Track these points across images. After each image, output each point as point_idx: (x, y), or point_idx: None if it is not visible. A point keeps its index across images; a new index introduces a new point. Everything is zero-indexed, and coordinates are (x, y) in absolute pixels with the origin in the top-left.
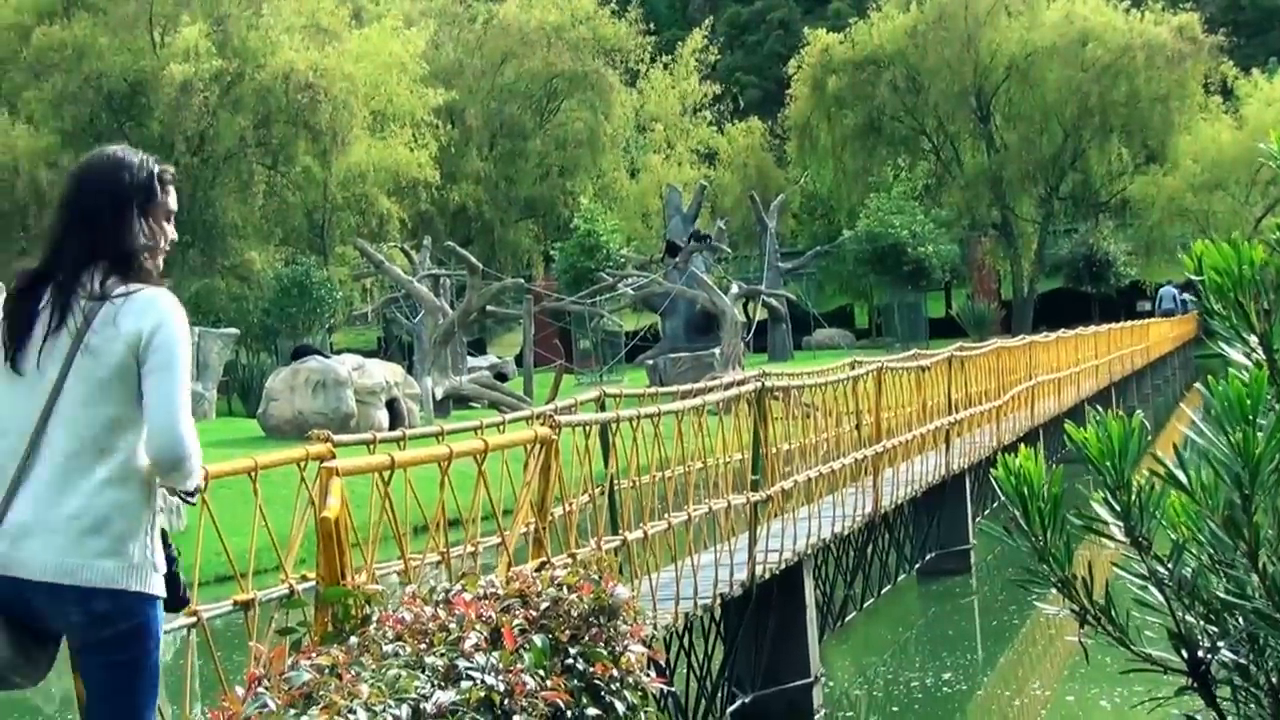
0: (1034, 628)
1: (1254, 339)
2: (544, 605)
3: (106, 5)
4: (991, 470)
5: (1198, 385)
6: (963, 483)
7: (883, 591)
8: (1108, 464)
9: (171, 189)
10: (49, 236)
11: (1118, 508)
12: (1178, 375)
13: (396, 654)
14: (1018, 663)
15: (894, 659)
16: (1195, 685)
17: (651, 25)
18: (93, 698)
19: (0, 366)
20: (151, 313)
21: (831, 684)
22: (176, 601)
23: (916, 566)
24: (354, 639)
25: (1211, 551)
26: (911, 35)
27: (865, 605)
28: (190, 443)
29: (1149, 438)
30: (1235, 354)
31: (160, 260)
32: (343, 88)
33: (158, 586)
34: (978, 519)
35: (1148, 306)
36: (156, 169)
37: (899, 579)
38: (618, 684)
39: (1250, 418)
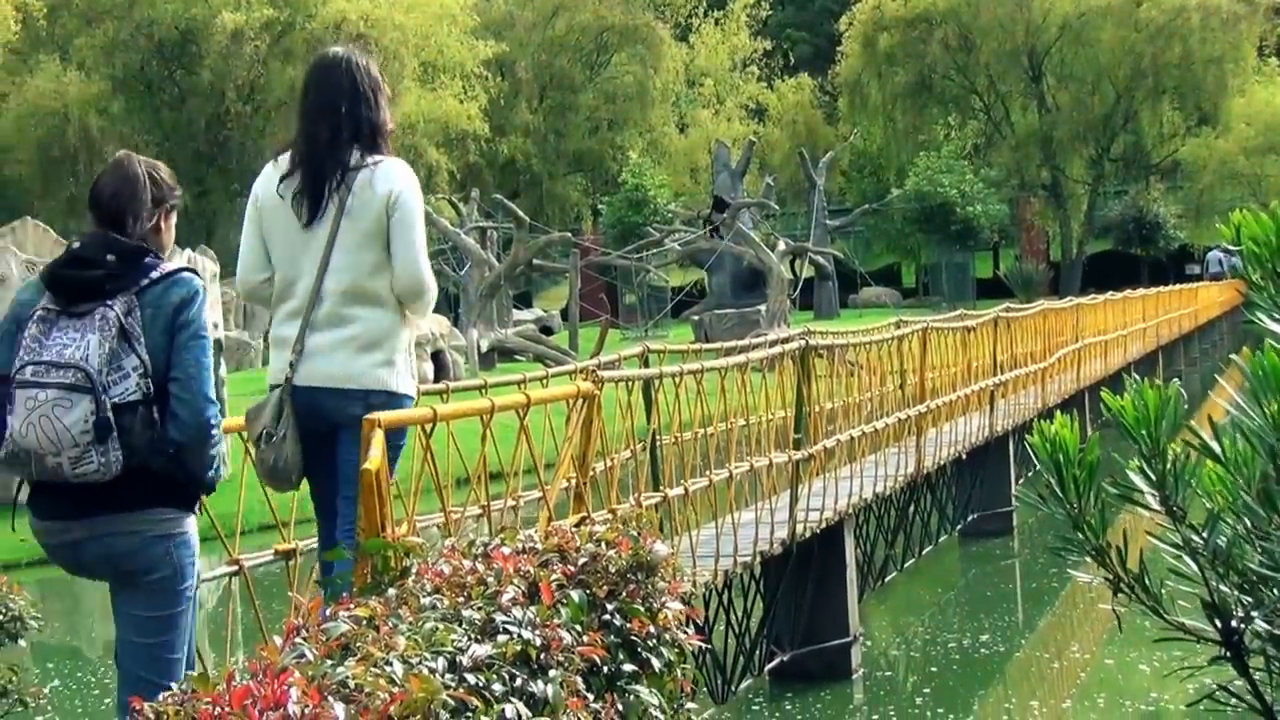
0: (1074, 591)
1: None
2: (582, 561)
3: None
4: (1027, 436)
5: (1233, 356)
6: (1006, 445)
7: (923, 552)
8: (1143, 432)
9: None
10: (310, 122)
11: (1153, 476)
12: (1225, 340)
13: (434, 607)
14: (1057, 626)
15: (933, 620)
16: (1228, 655)
17: None
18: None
19: (294, 223)
20: (397, 177)
21: (870, 643)
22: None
23: (958, 528)
24: (392, 591)
25: (1247, 523)
26: None
27: (905, 565)
28: (430, 279)
29: (1185, 405)
30: (1274, 325)
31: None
32: (393, 38)
33: (413, 389)
34: (1020, 481)
35: (1196, 270)
36: None
37: (940, 540)
38: (654, 640)
39: None
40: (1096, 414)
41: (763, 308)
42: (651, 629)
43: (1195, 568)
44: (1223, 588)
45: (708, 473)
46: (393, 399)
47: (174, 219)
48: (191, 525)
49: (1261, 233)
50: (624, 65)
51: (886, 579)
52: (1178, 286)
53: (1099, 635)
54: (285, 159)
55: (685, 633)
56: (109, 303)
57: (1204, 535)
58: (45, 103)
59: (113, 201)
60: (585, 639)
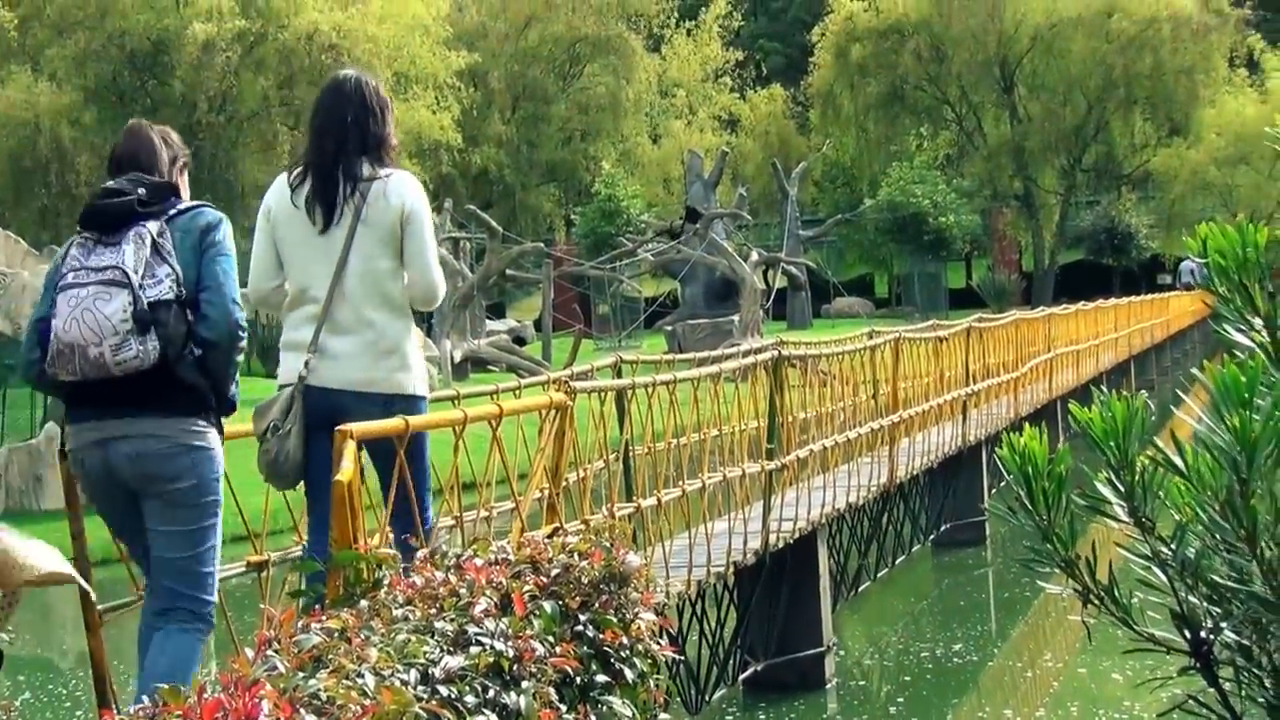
0: (1046, 600)
1: (1258, 321)
2: (555, 572)
3: None
4: (996, 449)
5: (1194, 371)
6: (979, 454)
7: (896, 562)
8: (1111, 444)
9: None
10: (319, 135)
11: (1121, 488)
12: (1197, 348)
13: (406, 618)
14: (1030, 635)
15: (906, 629)
16: (1198, 665)
17: None
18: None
19: (310, 230)
20: (408, 189)
21: (843, 653)
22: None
23: (931, 537)
24: (364, 603)
25: (1213, 535)
26: (936, 4)
27: (879, 575)
28: (442, 284)
29: (1154, 416)
30: (1240, 337)
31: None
32: (366, 49)
33: (426, 389)
34: (993, 491)
35: (1168, 280)
36: None
37: (913, 549)
38: (627, 651)
39: (1247, 401)
40: (1069, 424)
41: (736, 318)
42: (624, 640)
43: (1164, 579)
44: (1192, 599)
45: (681, 483)
46: (411, 401)
47: (186, 177)
48: (217, 442)
49: (1228, 245)
50: (596, 76)
51: (860, 588)
52: (1149, 296)
53: (1071, 644)
54: (296, 171)
55: (658, 643)
56: (143, 223)
57: (1172, 547)
58: (16, 113)
59: (132, 163)
60: (558, 650)
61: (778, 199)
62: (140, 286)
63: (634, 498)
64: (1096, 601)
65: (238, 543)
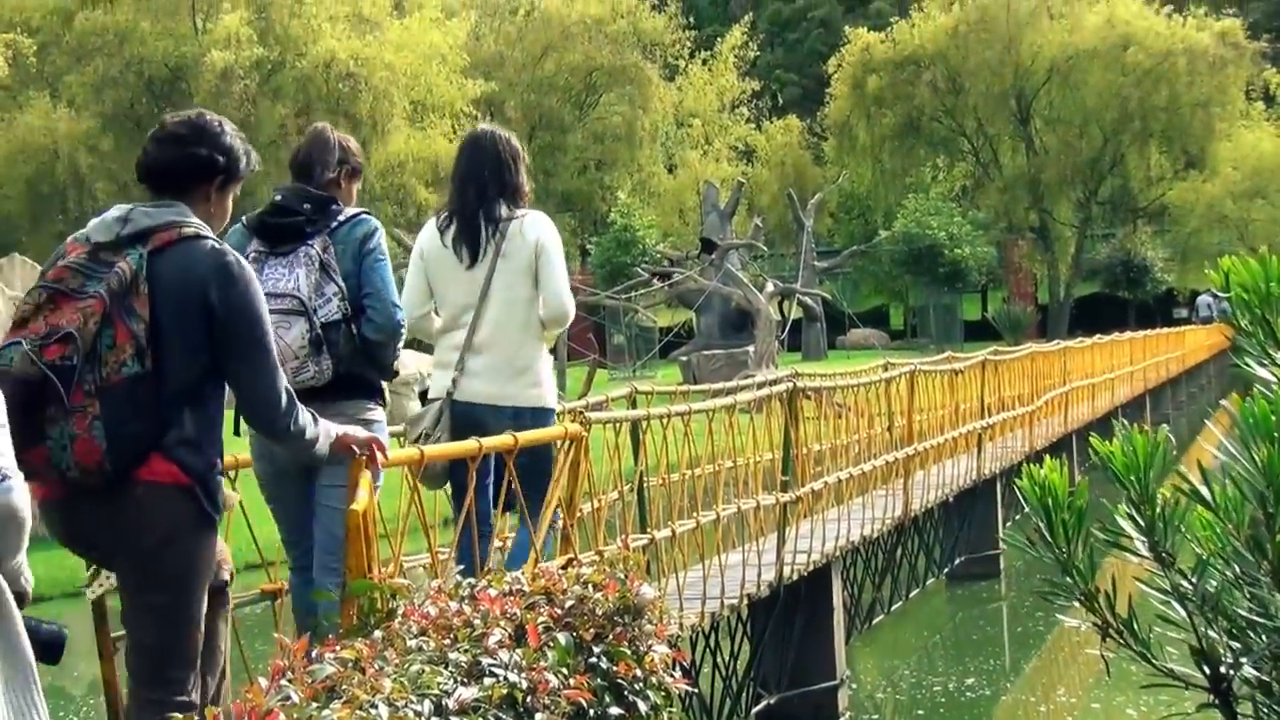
0: (1061, 635)
1: None
2: (569, 603)
3: None
4: (1016, 480)
5: (1223, 402)
6: (994, 487)
7: (911, 595)
8: (1132, 478)
9: None
10: (462, 185)
11: (1142, 522)
12: (1213, 383)
13: (420, 649)
14: (1044, 670)
15: (920, 663)
16: (1217, 701)
17: (692, 20)
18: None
19: (459, 266)
20: (542, 226)
21: (857, 686)
22: None
23: (945, 571)
24: (378, 633)
25: (1236, 569)
26: (952, 36)
27: (893, 608)
28: (571, 306)
29: (1174, 450)
30: (1262, 371)
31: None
32: (383, 77)
33: (555, 403)
34: (1007, 524)
35: (1184, 313)
36: None
37: (927, 583)
38: (641, 684)
39: (1275, 435)
40: (1084, 457)
41: (751, 349)
42: (638, 672)
43: (1184, 613)
44: (1211, 633)
45: (695, 514)
46: (539, 413)
47: (356, 184)
48: (383, 415)
49: (1250, 279)
50: (613, 106)
51: (874, 622)
52: (1165, 330)
53: (1086, 679)
54: (444, 215)
55: (672, 676)
56: (309, 243)
57: (1193, 581)
58: (35, 139)
59: (306, 157)
60: (572, 682)
61: (793, 230)
62: (314, 310)
63: (648, 529)
64: (1115, 635)
65: (251, 571)
